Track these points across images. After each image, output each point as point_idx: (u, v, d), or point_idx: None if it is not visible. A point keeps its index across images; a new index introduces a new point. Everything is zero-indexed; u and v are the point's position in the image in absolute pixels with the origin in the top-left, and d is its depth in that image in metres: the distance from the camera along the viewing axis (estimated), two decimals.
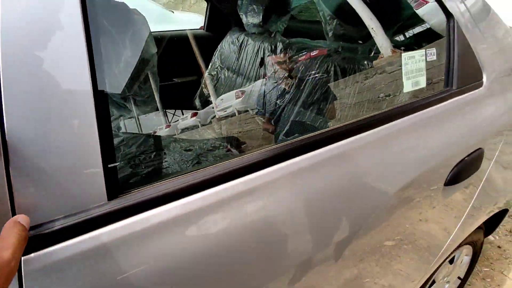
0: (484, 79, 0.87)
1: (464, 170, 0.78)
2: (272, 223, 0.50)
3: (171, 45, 1.95)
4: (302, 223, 0.53)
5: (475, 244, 1.26)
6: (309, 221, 0.54)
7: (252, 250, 0.49)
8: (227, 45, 1.86)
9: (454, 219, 0.87)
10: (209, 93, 1.93)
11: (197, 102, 1.98)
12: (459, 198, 0.85)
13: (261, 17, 1.57)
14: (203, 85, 1.96)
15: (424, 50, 0.75)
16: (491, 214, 1.02)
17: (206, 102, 1.90)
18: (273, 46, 1.53)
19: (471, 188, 0.88)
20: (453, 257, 1.18)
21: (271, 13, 1.56)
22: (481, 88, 0.86)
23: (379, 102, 0.94)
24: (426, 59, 0.75)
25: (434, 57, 0.77)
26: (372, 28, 1.09)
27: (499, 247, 1.86)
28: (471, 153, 0.79)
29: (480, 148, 0.83)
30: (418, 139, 0.69)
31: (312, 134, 0.58)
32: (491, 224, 1.37)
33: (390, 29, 1.14)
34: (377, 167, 0.62)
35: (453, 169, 0.75)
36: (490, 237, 1.94)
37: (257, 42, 1.64)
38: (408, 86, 0.71)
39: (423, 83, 0.74)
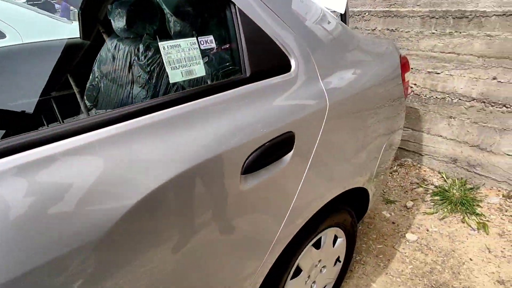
0: (293, 65, 0.88)
1: (266, 155, 0.77)
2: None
3: (45, 56, 1.80)
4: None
5: (344, 225, 1.29)
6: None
7: None
8: (104, 52, 1.76)
9: (281, 204, 0.87)
10: (91, 105, 1.81)
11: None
12: (278, 183, 0.84)
13: (124, 20, 1.51)
14: (85, 97, 1.84)
15: (195, 38, 0.74)
16: (334, 196, 1.04)
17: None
18: (137, 50, 1.47)
19: (294, 173, 0.88)
20: (320, 242, 1.20)
21: (135, 16, 1.50)
22: (287, 74, 0.87)
23: None
24: (200, 47, 0.73)
25: (213, 45, 0.76)
26: None
27: (393, 223, 1.96)
28: (275, 137, 0.79)
29: (289, 132, 0.83)
30: (197, 127, 0.67)
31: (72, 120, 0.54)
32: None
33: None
34: (148, 156, 0.59)
35: (249, 156, 0.74)
36: (386, 214, 2.04)
37: (127, 46, 1.57)
38: (176, 76, 0.68)
39: (200, 72, 0.72)
